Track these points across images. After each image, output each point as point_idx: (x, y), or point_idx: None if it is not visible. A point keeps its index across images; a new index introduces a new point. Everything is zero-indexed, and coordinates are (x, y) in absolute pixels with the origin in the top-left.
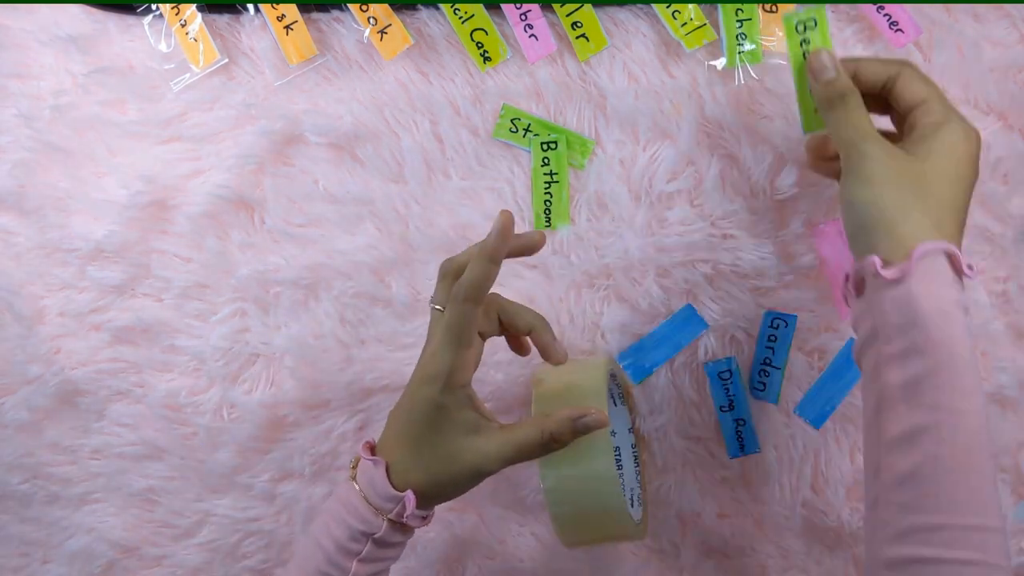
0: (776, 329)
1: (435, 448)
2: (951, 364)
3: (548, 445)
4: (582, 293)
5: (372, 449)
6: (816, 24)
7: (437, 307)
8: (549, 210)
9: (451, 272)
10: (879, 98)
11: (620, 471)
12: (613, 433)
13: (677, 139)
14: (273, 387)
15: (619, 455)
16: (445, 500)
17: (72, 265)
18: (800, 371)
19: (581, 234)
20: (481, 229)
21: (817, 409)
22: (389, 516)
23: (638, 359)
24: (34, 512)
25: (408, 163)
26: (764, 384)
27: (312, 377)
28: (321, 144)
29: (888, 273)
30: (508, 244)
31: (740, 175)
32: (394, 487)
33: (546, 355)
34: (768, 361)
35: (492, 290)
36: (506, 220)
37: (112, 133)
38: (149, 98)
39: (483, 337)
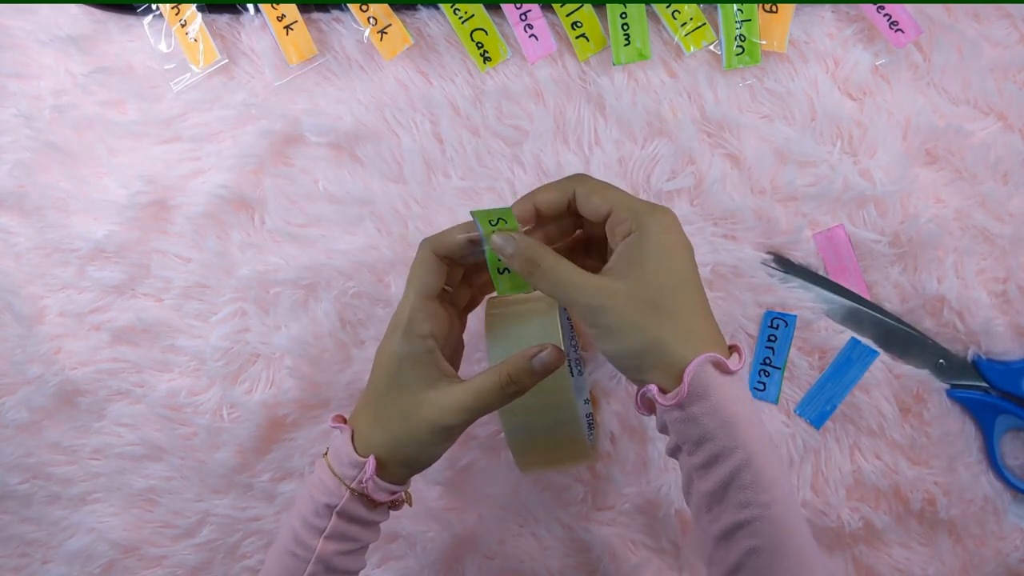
0: (776, 329)
1: (395, 405)
2: (748, 463)
3: (507, 388)
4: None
5: (343, 420)
6: (507, 222)
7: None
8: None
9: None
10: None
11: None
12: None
13: (677, 138)
14: (273, 387)
15: (573, 376)
16: (413, 466)
17: (72, 265)
18: (800, 371)
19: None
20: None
21: (817, 409)
22: (351, 485)
23: None
24: (34, 512)
25: (408, 163)
26: (764, 384)
27: (312, 377)
28: (321, 144)
29: (667, 401)
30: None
31: (740, 175)
32: (357, 453)
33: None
34: (768, 361)
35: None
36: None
37: (112, 133)
38: (149, 98)
39: (457, 307)
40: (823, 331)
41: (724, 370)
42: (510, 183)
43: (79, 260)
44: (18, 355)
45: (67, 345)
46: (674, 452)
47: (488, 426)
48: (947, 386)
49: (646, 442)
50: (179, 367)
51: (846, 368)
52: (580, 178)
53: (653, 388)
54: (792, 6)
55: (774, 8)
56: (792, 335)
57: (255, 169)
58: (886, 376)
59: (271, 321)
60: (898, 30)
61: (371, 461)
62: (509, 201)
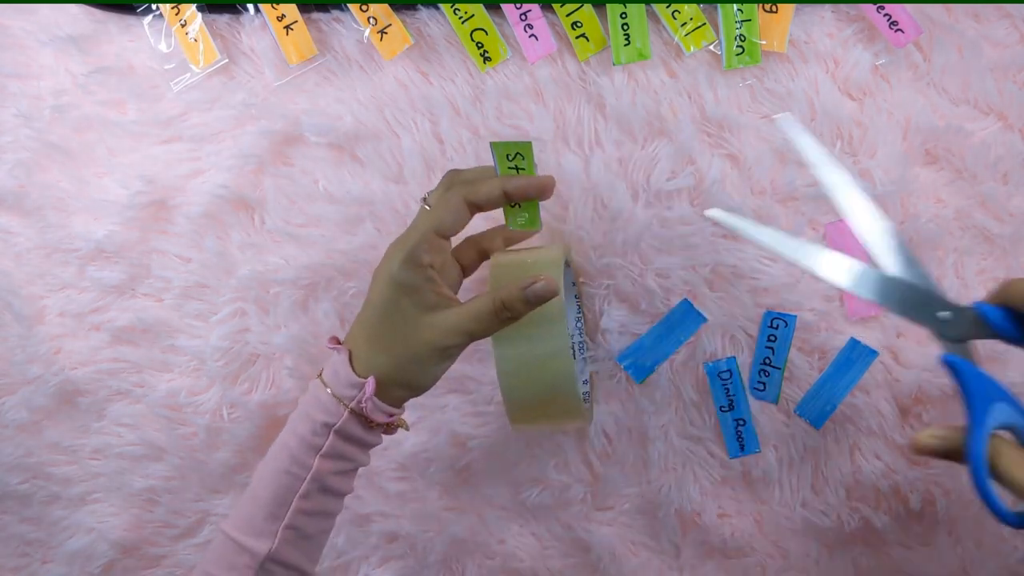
0: (776, 329)
1: (395, 328)
2: None
3: (501, 313)
4: (581, 293)
5: (338, 342)
6: (523, 157)
7: (425, 204)
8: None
9: (456, 181)
10: None
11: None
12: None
13: (677, 138)
14: (273, 387)
15: (572, 344)
16: (412, 388)
17: (72, 265)
18: (800, 371)
19: (581, 233)
20: (481, 229)
21: (817, 409)
22: (350, 405)
23: (638, 358)
24: (34, 512)
25: (408, 163)
26: (764, 384)
27: (312, 377)
28: (321, 144)
29: None
30: (527, 189)
31: (740, 175)
32: (356, 374)
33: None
34: (768, 361)
35: None
36: (545, 182)
37: (112, 133)
38: (149, 98)
39: (465, 270)
40: (823, 331)
41: None
42: None
43: (79, 260)
44: (18, 355)
45: (67, 345)
46: None
47: (488, 426)
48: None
49: (646, 442)
50: (179, 367)
51: (846, 368)
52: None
53: None
54: (792, 6)
55: (774, 8)
56: (792, 335)
57: (255, 169)
58: (886, 377)
59: (271, 321)
60: (898, 30)
61: (371, 382)
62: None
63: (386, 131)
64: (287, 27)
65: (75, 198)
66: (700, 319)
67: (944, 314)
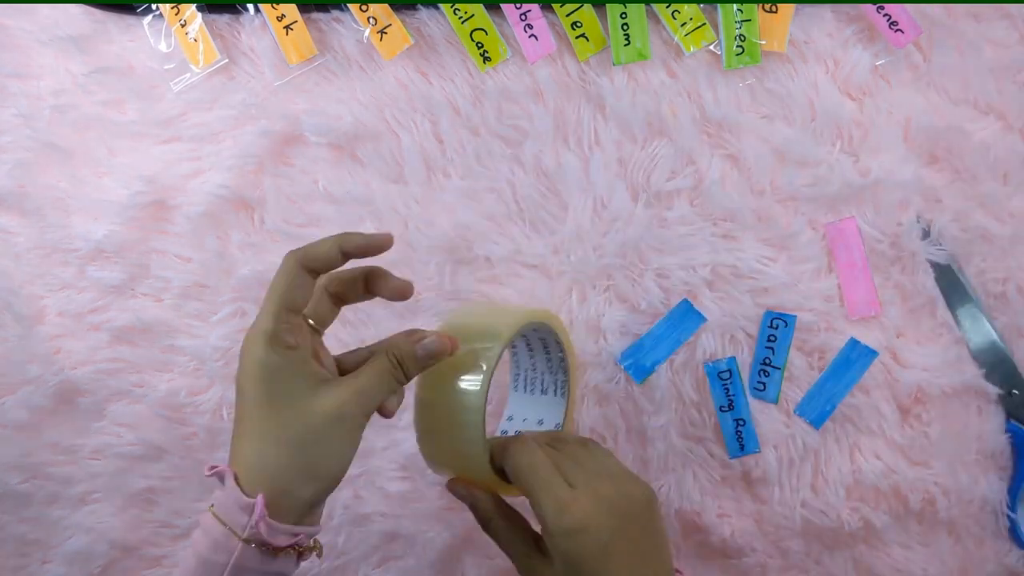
0: (776, 329)
1: (282, 411)
2: None
3: (395, 372)
4: (582, 293)
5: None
6: None
7: None
8: None
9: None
10: None
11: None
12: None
13: (676, 138)
14: None
15: (526, 385)
16: (320, 478)
17: (72, 265)
18: (800, 371)
19: (581, 234)
20: (481, 229)
21: (817, 409)
22: (242, 535)
23: (638, 359)
24: (34, 512)
25: (408, 163)
26: (764, 384)
27: None
28: (321, 144)
29: None
30: (365, 246)
31: (740, 175)
32: (244, 493)
33: (393, 291)
34: (768, 361)
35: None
36: (382, 240)
37: (112, 133)
38: (149, 98)
39: (320, 325)
40: (823, 331)
41: None
42: (510, 183)
43: (79, 260)
44: (18, 355)
45: (67, 345)
46: None
47: (487, 426)
48: (1006, 417)
49: (646, 442)
50: (179, 367)
51: (845, 368)
52: (512, 452)
53: None
54: (792, 6)
55: (774, 8)
56: (792, 335)
57: (255, 169)
58: (886, 377)
59: None
60: (898, 30)
61: (259, 500)
62: (509, 202)
63: (386, 131)
64: (287, 27)
65: (75, 198)
66: (700, 319)
67: (1016, 393)
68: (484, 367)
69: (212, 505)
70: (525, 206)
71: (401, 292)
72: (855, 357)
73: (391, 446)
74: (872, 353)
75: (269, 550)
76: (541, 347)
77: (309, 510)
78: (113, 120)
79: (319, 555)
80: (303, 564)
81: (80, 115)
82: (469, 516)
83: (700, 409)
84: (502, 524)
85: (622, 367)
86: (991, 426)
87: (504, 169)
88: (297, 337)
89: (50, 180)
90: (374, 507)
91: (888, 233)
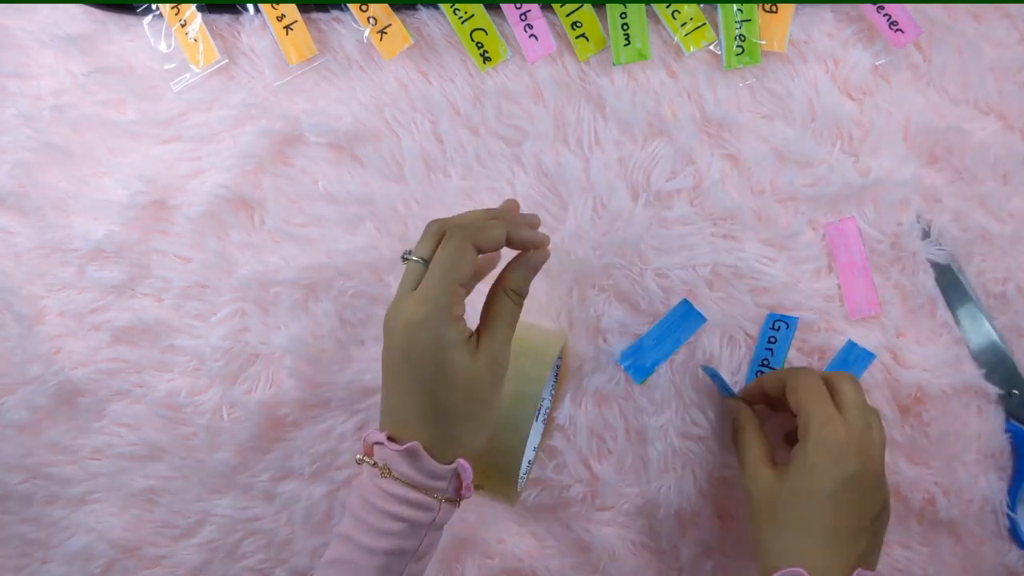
0: (777, 331)
1: (456, 390)
2: None
3: (517, 298)
4: (582, 293)
5: (379, 445)
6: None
7: (416, 259)
8: None
9: (451, 227)
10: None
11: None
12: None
13: (676, 138)
14: (273, 387)
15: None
16: (487, 433)
17: (72, 265)
18: None
19: (581, 234)
20: None
21: None
22: (446, 496)
23: (638, 359)
24: (34, 512)
25: (408, 163)
26: None
27: (312, 377)
28: (321, 144)
29: None
30: (528, 243)
31: (740, 175)
32: (441, 462)
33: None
34: (766, 362)
35: None
36: (544, 242)
37: (112, 133)
38: (149, 98)
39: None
40: (823, 331)
41: None
42: (510, 183)
43: (79, 260)
44: (18, 355)
45: (67, 345)
46: None
47: None
48: (1006, 416)
49: (646, 442)
50: (179, 367)
51: (843, 370)
52: (798, 371)
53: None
54: (792, 6)
55: (774, 8)
56: (792, 337)
57: (255, 169)
58: (886, 377)
59: (271, 321)
60: (898, 30)
61: (465, 465)
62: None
63: (386, 131)
64: (287, 27)
65: (75, 198)
66: (700, 319)
67: (1016, 393)
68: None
69: (393, 475)
70: (525, 206)
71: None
72: (852, 359)
73: None
74: (869, 356)
75: (458, 503)
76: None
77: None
78: (113, 120)
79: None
80: (304, 561)
81: (80, 115)
82: (469, 516)
83: (700, 409)
84: (751, 429)
85: (622, 367)
86: (991, 426)
87: (504, 169)
88: (461, 308)
89: (50, 180)
90: None
91: (888, 233)
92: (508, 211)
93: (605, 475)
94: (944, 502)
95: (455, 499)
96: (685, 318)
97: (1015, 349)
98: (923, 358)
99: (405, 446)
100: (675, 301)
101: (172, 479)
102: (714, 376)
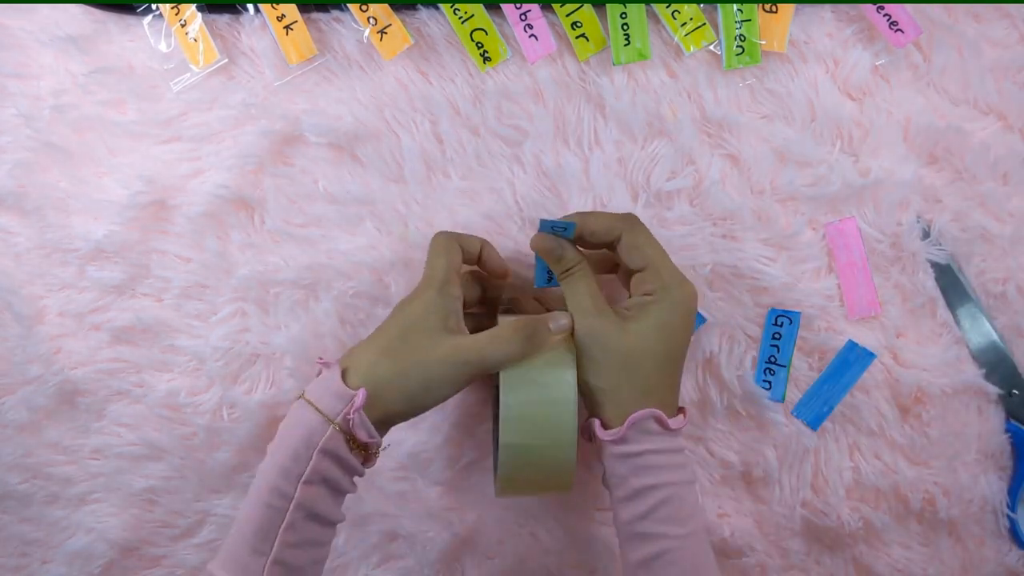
0: (780, 327)
1: (412, 342)
2: (668, 500)
3: (522, 331)
4: None
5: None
6: (567, 231)
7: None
8: None
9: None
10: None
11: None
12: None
13: (677, 138)
14: (273, 387)
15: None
16: (408, 405)
17: (72, 265)
18: (799, 372)
19: None
20: (481, 229)
21: (815, 411)
22: (336, 420)
23: None
24: (34, 512)
25: (408, 163)
26: (770, 383)
27: (312, 377)
28: (321, 144)
29: (608, 436)
30: (495, 269)
31: (740, 175)
32: (348, 387)
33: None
34: (773, 359)
35: None
36: (507, 274)
37: (112, 133)
38: (149, 98)
39: (466, 304)
40: (823, 331)
41: (664, 426)
42: (510, 183)
43: (79, 260)
44: (18, 355)
45: (67, 345)
46: (606, 483)
47: (487, 423)
48: (1006, 417)
49: None
50: (179, 367)
51: (844, 370)
52: (630, 223)
53: (596, 422)
54: (792, 6)
55: (774, 8)
56: (796, 332)
57: (255, 169)
58: (886, 377)
59: (271, 321)
60: (898, 30)
61: (361, 392)
62: (509, 203)
63: (386, 131)
64: (287, 27)
65: (75, 198)
66: (700, 319)
67: (1016, 393)
68: (569, 394)
69: (303, 394)
70: (525, 206)
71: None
72: (853, 359)
73: (391, 446)
74: (870, 356)
75: (351, 441)
76: None
77: (386, 424)
78: (113, 120)
79: (376, 456)
80: None
81: (80, 115)
82: (469, 516)
83: (700, 409)
84: (581, 270)
85: None
86: (991, 426)
87: (504, 169)
88: (458, 289)
89: (50, 180)
90: (374, 507)
91: (888, 233)
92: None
93: None
94: (944, 502)
95: (347, 429)
96: None
97: (1015, 349)
98: (923, 358)
99: (326, 363)
100: None
101: (172, 479)
102: (548, 226)
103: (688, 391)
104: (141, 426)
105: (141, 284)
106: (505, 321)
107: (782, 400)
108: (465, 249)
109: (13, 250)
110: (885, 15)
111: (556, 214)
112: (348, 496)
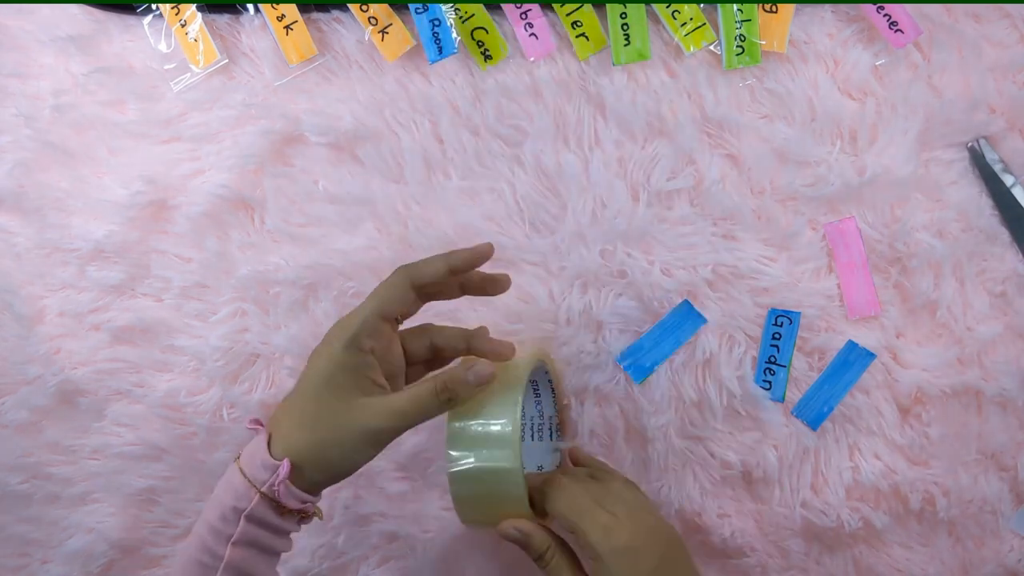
0: (780, 327)
1: (324, 409)
2: None
3: (440, 394)
4: (582, 292)
5: (260, 424)
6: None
7: None
8: None
9: (400, 267)
10: None
11: (531, 447)
12: (531, 417)
13: (676, 138)
14: (273, 387)
15: (534, 434)
16: (331, 473)
17: (72, 265)
18: (799, 372)
19: (581, 234)
20: (481, 229)
21: (814, 411)
22: (261, 488)
23: (638, 359)
24: (34, 512)
25: (408, 163)
26: (770, 383)
27: None
28: (321, 144)
29: None
30: (471, 259)
31: (740, 175)
32: (273, 456)
33: (496, 356)
34: (773, 359)
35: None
36: (484, 249)
37: (112, 133)
38: (149, 98)
39: (407, 358)
40: (823, 331)
41: None
42: (510, 183)
43: (79, 260)
44: (18, 355)
45: (67, 345)
46: None
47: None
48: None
49: (646, 442)
50: (179, 367)
51: (843, 370)
52: (552, 492)
53: None
54: (792, 6)
55: (774, 8)
56: (796, 332)
57: (255, 169)
58: (886, 377)
59: (271, 321)
60: (898, 30)
61: (285, 464)
62: (509, 202)
63: (386, 131)
64: (287, 27)
65: (75, 198)
66: (700, 320)
67: None
68: (511, 427)
69: (239, 457)
70: (525, 206)
71: (502, 286)
72: (853, 359)
73: (391, 446)
74: (870, 356)
75: (280, 508)
76: (532, 391)
77: (317, 489)
78: (113, 120)
79: (319, 517)
80: (304, 561)
81: (80, 115)
82: None
83: (700, 409)
84: (556, 557)
85: (622, 367)
86: (991, 426)
87: (504, 169)
88: (376, 341)
89: (50, 180)
90: (374, 507)
91: (888, 233)
92: (473, 250)
93: None
94: (944, 502)
95: (273, 497)
96: (685, 318)
97: None
98: (923, 358)
99: (254, 428)
100: (675, 301)
101: (171, 479)
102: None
103: (688, 391)
104: (141, 426)
105: (141, 284)
106: (425, 378)
107: (782, 400)
108: (425, 278)
109: (13, 250)
110: (885, 15)
111: (557, 214)
112: (348, 496)
